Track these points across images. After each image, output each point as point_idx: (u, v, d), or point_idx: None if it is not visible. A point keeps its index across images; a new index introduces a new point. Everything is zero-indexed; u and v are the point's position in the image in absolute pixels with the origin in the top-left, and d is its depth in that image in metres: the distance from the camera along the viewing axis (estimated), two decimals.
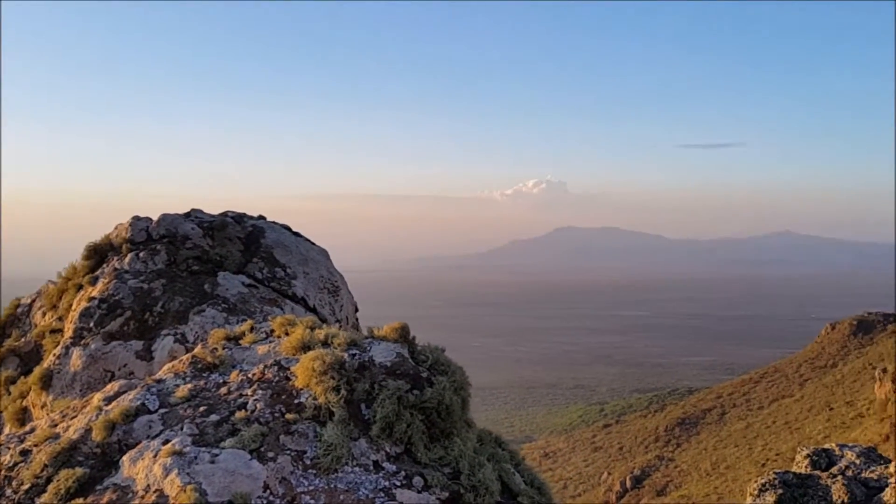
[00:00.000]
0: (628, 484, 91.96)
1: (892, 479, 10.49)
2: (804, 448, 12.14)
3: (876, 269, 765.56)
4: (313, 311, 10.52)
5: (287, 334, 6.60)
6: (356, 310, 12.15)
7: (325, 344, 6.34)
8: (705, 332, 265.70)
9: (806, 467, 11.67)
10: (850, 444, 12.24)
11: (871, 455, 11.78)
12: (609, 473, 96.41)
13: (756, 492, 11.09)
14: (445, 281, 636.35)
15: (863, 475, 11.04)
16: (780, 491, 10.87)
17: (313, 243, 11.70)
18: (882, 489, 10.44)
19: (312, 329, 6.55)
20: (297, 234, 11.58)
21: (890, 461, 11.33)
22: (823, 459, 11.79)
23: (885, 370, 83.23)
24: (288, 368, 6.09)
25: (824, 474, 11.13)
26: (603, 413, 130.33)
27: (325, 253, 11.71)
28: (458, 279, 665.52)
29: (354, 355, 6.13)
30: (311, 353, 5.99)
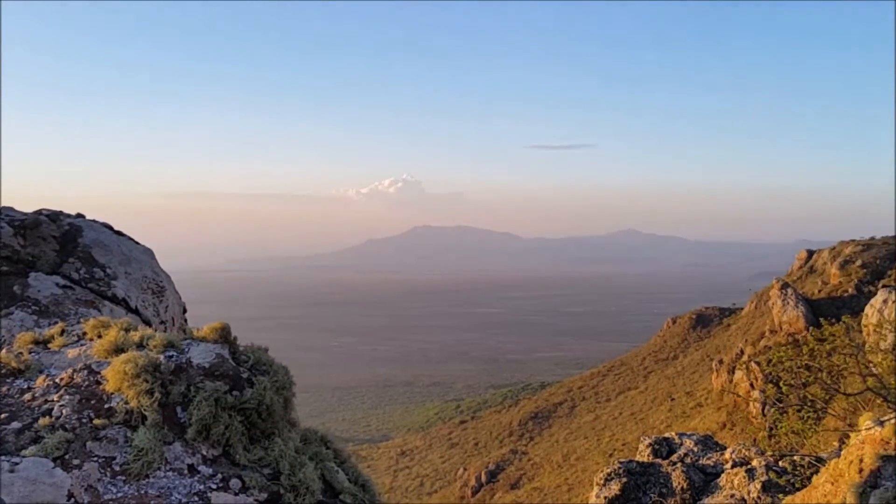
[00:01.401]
0: (483, 479, 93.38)
1: (727, 465, 11.03)
2: (646, 437, 12.61)
3: (713, 266, 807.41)
4: (136, 312, 10.11)
5: (100, 337, 6.29)
6: (184, 311, 11.77)
7: (141, 346, 6.09)
8: (556, 328, 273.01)
9: (648, 456, 12.12)
10: (689, 433, 12.80)
11: (708, 442, 12.34)
12: (465, 469, 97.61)
13: (602, 481, 11.44)
14: (300, 281, 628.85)
15: (700, 462, 11.55)
16: (624, 479, 11.25)
17: (137, 242, 11.24)
18: (718, 475, 10.95)
19: (127, 331, 6.28)
20: (118, 233, 11.10)
21: (725, 448, 11.91)
22: (664, 448, 12.29)
23: (721, 361, 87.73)
24: (99, 372, 5.81)
25: (665, 462, 11.58)
26: (459, 409, 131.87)
27: (149, 252, 11.29)
28: (313, 279, 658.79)
29: (171, 357, 5.91)
30: (123, 356, 5.73)
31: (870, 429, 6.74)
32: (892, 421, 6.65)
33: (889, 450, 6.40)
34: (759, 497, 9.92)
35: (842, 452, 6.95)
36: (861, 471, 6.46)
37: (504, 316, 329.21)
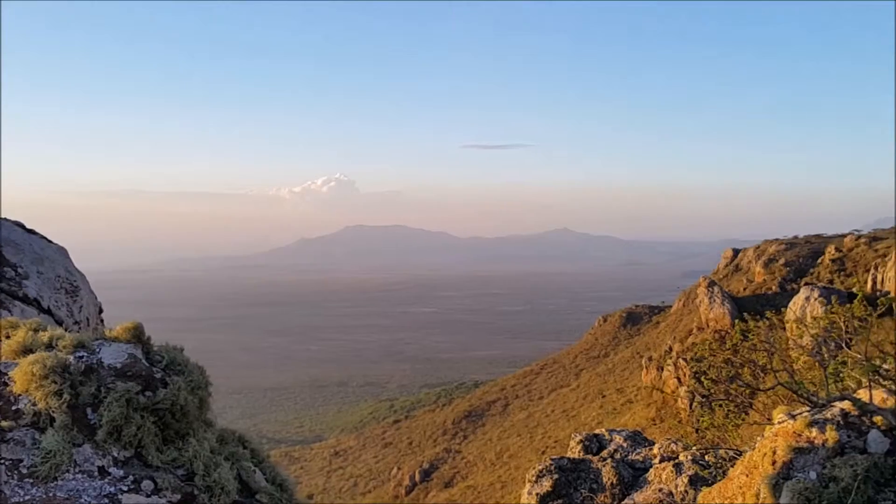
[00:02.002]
0: (417, 478, 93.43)
1: (656, 460, 11.18)
2: (577, 434, 12.72)
3: (644, 265, 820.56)
4: (48, 312, 9.82)
5: (8, 338, 6.10)
6: (100, 311, 11.48)
7: (50, 347, 5.91)
8: (490, 327, 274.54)
9: (579, 452, 12.22)
10: (619, 429, 12.95)
11: (637, 438, 12.50)
12: (399, 468, 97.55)
13: (534, 478, 11.49)
14: (232, 281, 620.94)
15: (629, 457, 11.69)
16: (555, 476, 11.31)
17: (50, 241, 10.91)
18: (647, 470, 11.10)
19: (36, 331, 6.09)
20: (31, 232, 10.76)
21: (654, 443, 12.08)
22: (595, 444, 12.40)
23: (650, 358, 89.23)
24: (6, 373, 5.63)
25: (595, 458, 11.69)
26: (393, 409, 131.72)
27: (63, 251, 10.97)
28: (245, 279, 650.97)
29: (81, 357, 5.75)
30: (30, 357, 5.56)
31: (783, 422, 6.88)
32: (805, 414, 6.81)
33: (801, 442, 6.54)
34: (686, 490, 10.08)
35: (756, 445, 7.09)
36: (774, 463, 6.59)
37: (438, 315, 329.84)
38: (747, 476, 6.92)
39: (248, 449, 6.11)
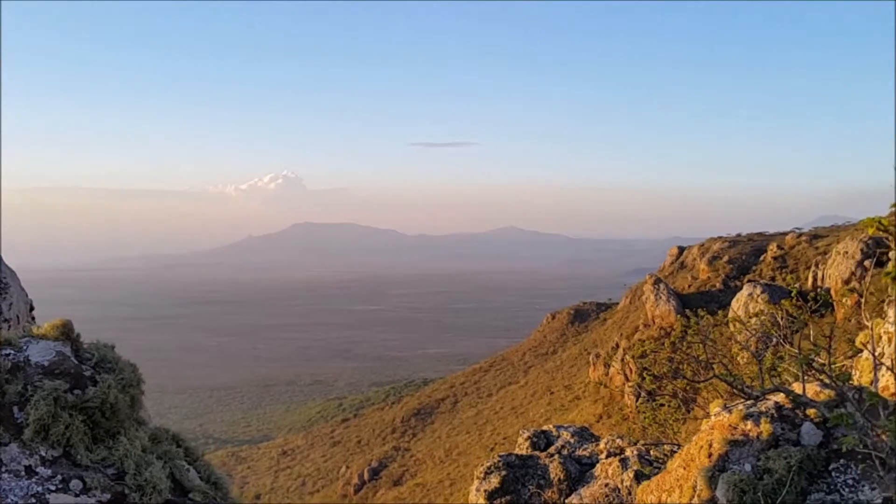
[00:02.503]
0: (366, 476, 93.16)
1: (602, 456, 11.27)
2: (525, 431, 12.76)
3: (592, 262, 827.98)
4: None
5: None
6: (31, 308, 11.19)
7: None
8: (440, 325, 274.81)
9: (527, 449, 12.26)
10: (566, 425, 13.01)
11: (584, 434, 12.57)
12: (347, 467, 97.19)
13: (482, 475, 11.50)
14: (178, 279, 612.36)
15: (576, 453, 11.75)
16: (503, 472, 11.34)
17: None
18: (593, 465, 11.17)
19: None
20: None
21: (600, 439, 12.17)
22: (542, 440, 12.44)
23: (597, 355, 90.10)
24: None
25: (543, 454, 11.73)
26: (342, 408, 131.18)
27: None
28: (191, 277, 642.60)
29: (7, 355, 5.59)
30: None
31: (719, 415, 6.96)
32: (740, 407, 6.89)
33: (736, 435, 6.62)
34: (631, 485, 10.18)
35: (693, 438, 7.17)
36: (710, 455, 6.66)
37: (387, 313, 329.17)
38: (685, 469, 6.99)
39: (182, 447, 6.00)
